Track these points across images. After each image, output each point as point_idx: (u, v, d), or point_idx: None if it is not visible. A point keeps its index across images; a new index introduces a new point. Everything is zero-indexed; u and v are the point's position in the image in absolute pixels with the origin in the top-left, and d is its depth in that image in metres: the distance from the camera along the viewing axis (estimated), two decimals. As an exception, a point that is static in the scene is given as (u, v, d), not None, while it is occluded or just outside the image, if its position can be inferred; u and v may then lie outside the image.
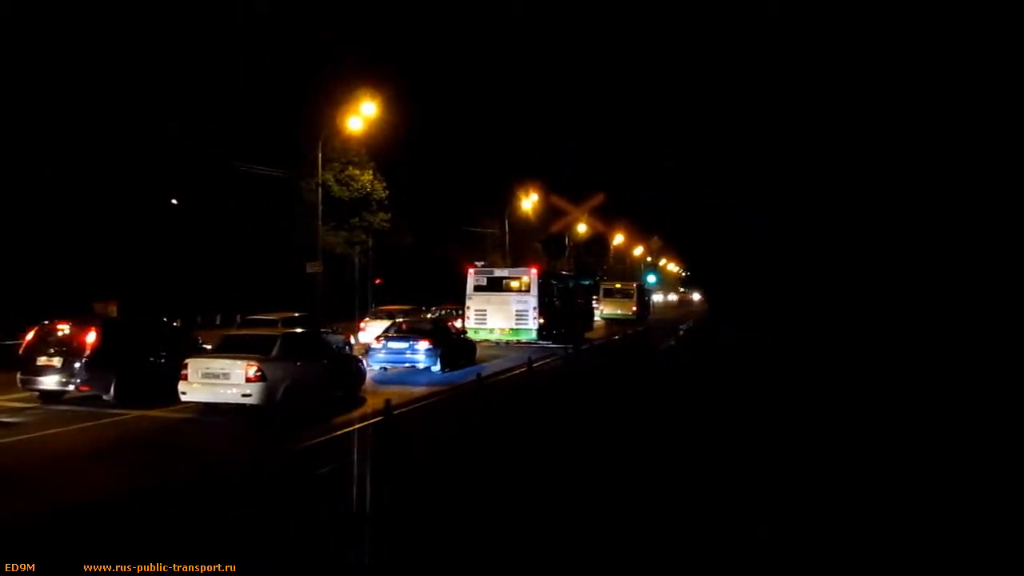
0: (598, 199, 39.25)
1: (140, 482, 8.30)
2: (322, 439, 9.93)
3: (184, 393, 12.68)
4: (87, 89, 29.51)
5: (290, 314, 21.35)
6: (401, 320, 22.39)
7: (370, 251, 42.48)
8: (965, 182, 18.67)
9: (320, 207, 33.69)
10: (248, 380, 12.19)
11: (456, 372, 18.54)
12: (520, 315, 26.90)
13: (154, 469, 8.66)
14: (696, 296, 74.30)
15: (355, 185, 40.86)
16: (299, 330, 15.61)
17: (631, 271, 68.36)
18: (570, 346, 19.68)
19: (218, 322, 36.63)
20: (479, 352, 23.01)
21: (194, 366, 12.74)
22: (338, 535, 6.19)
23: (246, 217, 38.96)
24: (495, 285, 27.82)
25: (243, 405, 12.31)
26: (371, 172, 41.29)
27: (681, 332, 35.31)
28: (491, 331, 27.01)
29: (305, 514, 6.52)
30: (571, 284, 27.93)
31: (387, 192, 41.96)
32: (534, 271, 28.10)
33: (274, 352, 12.84)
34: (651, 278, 49.36)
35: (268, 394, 12.27)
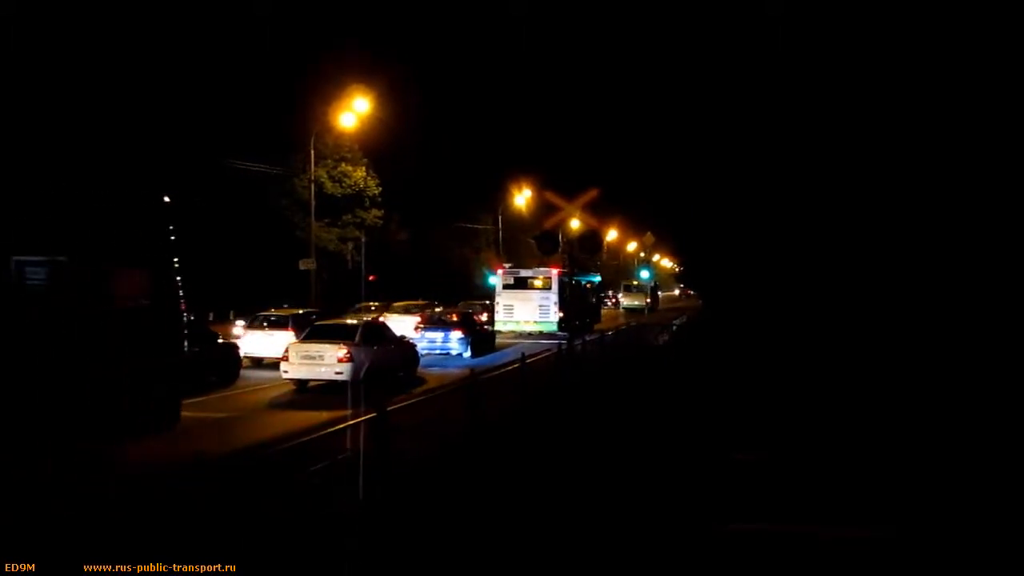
0: (592, 195, 39.09)
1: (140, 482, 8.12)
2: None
3: (286, 372, 15.14)
4: (80, 85, 28.67)
5: (295, 311, 22.45)
6: (433, 312, 26.22)
7: (363, 247, 41.92)
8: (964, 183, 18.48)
9: (313, 204, 33.49)
10: (340, 360, 14.71)
11: (483, 358, 20.73)
12: (543, 309, 30.70)
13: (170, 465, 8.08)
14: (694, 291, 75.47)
15: (348, 182, 41.01)
16: (375, 320, 18.59)
17: (624, 267, 68.30)
18: (564, 342, 20.17)
19: (211, 318, 35.78)
20: (499, 341, 26.02)
21: (294, 350, 15.23)
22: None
23: (238, 214, 38.19)
24: (521, 283, 31.79)
25: (335, 381, 14.80)
26: (364, 169, 41.58)
27: (675, 328, 35.56)
28: (517, 323, 30.85)
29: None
30: (584, 282, 32.30)
31: (380, 189, 42.19)
32: (555, 271, 31.40)
33: (357, 338, 15.36)
34: (644, 274, 49.79)
35: (355, 372, 14.77)
